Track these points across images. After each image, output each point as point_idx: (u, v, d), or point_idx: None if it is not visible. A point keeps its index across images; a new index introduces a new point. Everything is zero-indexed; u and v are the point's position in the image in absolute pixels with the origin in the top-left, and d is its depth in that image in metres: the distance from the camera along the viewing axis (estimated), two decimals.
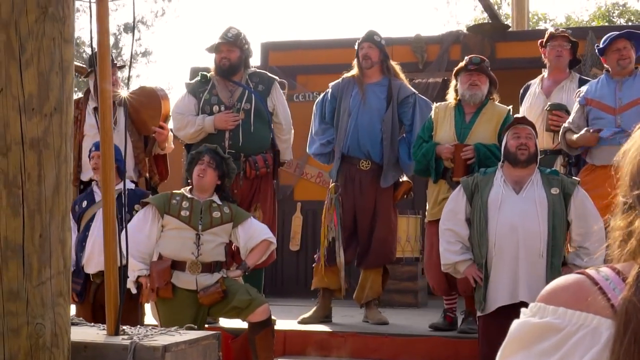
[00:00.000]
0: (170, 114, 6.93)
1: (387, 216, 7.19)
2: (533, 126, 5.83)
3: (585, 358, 1.24)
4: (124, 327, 3.73)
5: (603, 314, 1.25)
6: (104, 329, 3.80)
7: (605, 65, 6.66)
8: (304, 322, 7.12)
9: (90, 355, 3.44)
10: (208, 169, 5.99)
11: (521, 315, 1.37)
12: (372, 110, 7.09)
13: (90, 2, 3.64)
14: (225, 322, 6.81)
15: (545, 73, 7.24)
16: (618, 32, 6.69)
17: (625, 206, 1.32)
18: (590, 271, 1.34)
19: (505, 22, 11.03)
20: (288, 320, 7.13)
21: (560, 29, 7.47)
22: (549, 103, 6.88)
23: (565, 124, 6.53)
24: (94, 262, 5.94)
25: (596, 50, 6.80)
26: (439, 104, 6.86)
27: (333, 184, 7.16)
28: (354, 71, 7.28)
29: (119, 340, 3.53)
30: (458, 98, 6.67)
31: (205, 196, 6.00)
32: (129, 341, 3.44)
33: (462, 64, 6.73)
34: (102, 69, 3.69)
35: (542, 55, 7.21)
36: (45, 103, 3.22)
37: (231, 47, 7.00)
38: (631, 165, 1.34)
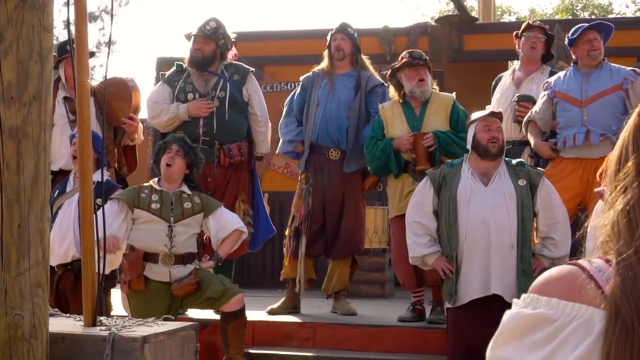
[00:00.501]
0: (146, 103, 6.89)
1: (356, 206, 7.19)
2: (501, 118, 5.87)
3: (579, 349, 1.24)
4: (101, 318, 3.71)
5: (596, 305, 1.24)
6: (80, 320, 3.77)
7: (574, 56, 6.70)
8: (272, 312, 7.11)
9: (68, 347, 3.41)
10: (176, 157, 5.95)
11: (513, 306, 1.37)
12: (340, 100, 7.09)
13: None
14: (193, 313, 6.78)
15: (517, 64, 7.29)
16: (589, 24, 6.75)
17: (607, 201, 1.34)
18: (583, 262, 1.34)
19: (473, 15, 11.06)
20: (256, 311, 7.12)
21: (537, 21, 7.51)
22: (516, 94, 6.92)
23: (529, 115, 6.59)
24: (54, 254, 5.86)
25: (566, 41, 6.84)
26: (383, 103, 6.87)
27: (304, 174, 7.14)
28: (324, 63, 7.27)
29: (97, 331, 3.50)
30: (403, 93, 6.68)
31: (174, 187, 5.96)
32: (107, 332, 3.42)
33: (405, 60, 6.71)
34: (80, 60, 3.65)
35: (517, 46, 7.24)
36: (24, 92, 3.19)
37: (207, 40, 6.98)
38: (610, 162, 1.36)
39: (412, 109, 6.67)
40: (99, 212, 3.85)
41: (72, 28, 3.68)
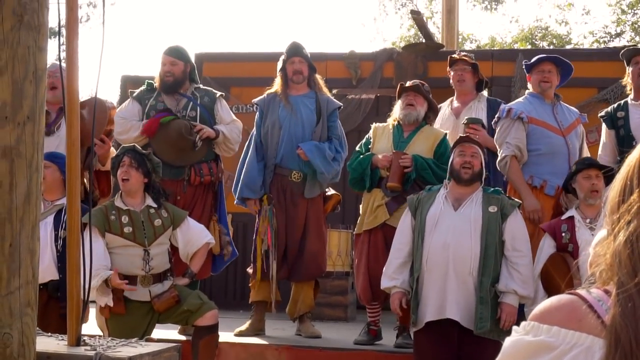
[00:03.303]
0: (114, 118, 6.87)
1: (319, 228, 7.21)
2: (480, 145, 5.94)
3: None
4: (84, 338, 3.71)
5: (595, 334, 1.30)
6: (62, 339, 3.77)
7: (529, 83, 6.82)
8: (240, 334, 7.11)
9: None
10: (130, 170, 5.89)
11: (513, 333, 1.42)
12: (303, 122, 7.10)
13: (59, 9, 3.61)
14: (157, 333, 6.76)
15: (454, 95, 7.42)
16: (547, 55, 6.87)
17: (608, 233, 1.38)
18: (582, 292, 1.39)
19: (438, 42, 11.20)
20: (220, 333, 7.11)
21: (462, 52, 7.64)
22: (465, 117, 7.03)
23: (507, 150, 6.59)
24: None
25: (524, 67, 6.95)
26: (377, 124, 6.99)
27: (265, 194, 7.13)
28: (277, 86, 7.26)
29: (82, 351, 3.51)
30: (397, 119, 6.81)
31: (138, 202, 5.93)
32: (94, 352, 3.42)
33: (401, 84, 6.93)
34: (70, 77, 3.67)
35: (450, 79, 7.39)
36: (19, 112, 3.20)
37: (175, 60, 7.01)
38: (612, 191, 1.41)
39: (402, 132, 6.79)
40: (85, 234, 3.85)
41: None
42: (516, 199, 5.90)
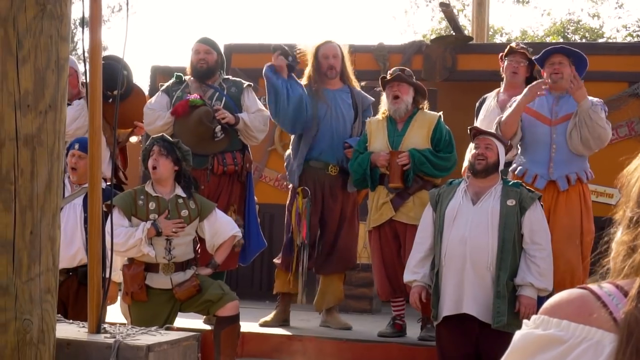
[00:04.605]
0: (143, 111, 6.94)
1: (352, 221, 7.24)
2: (496, 136, 5.90)
3: None
4: (105, 326, 3.74)
5: (606, 328, 1.29)
6: (83, 327, 3.80)
7: (544, 76, 6.74)
8: (265, 324, 7.14)
9: (73, 353, 3.44)
10: (160, 158, 5.93)
11: (523, 327, 1.42)
12: (344, 117, 7.12)
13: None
14: (182, 322, 6.81)
15: (502, 87, 7.32)
16: (554, 47, 6.79)
17: (632, 221, 1.37)
18: (593, 286, 1.38)
19: (467, 35, 11.13)
20: (245, 323, 7.13)
21: (521, 45, 7.51)
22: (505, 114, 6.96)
23: (498, 119, 6.59)
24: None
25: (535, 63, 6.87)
26: (371, 118, 6.95)
27: (301, 187, 7.12)
28: (306, 79, 7.21)
29: (102, 338, 3.54)
30: (387, 112, 6.76)
31: (167, 190, 5.97)
32: (113, 340, 3.45)
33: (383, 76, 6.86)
34: (94, 68, 3.70)
35: (501, 69, 7.27)
36: (41, 100, 3.24)
37: (210, 49, 7.06)
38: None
39: (396, 124, 6.74)
40: (108, 221, 3.88)
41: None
42: (535, 192, 5.85)
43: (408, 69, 7.02)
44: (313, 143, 7.10)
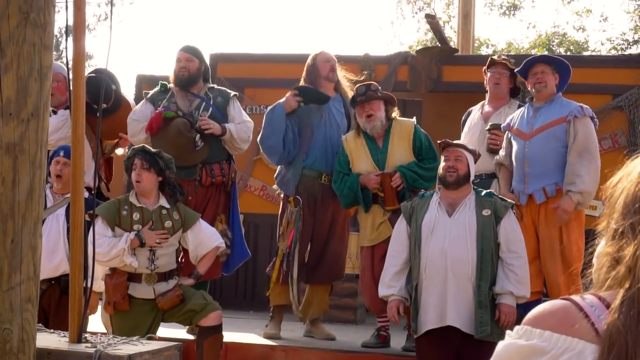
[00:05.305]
0: (127, 120, 6.90)
1: (343, 233, 7.23)
2: (465, 147, 5.91)
3: None
4: (86, 335, 3.73)
5: (588, 339, 1.31)
6: (64, 336, 3.78)
7: (528, 88, 6.77)
8: (274, 336, 7.09)
9: None
10: (142, 172, 5.91)
11: (506, 337, 1.43)
12: (338, 125, 7.12)
13: (67, 8, 3.63)
14: (165, 332, 6.78)
15: (486, 99, 7.33)
16: (534, 56, 6.80)
17: (616, 233, 1.38)
18: (576, 298, 1.39)
19: (453, 46, 11.17)
20: (228, 332, 7.11)
21: (502, 56, 7.50)
22: (489, 123, 6.97)
23: (498, 158, 6.68)
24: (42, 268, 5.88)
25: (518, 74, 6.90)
26: (346, 135, 6.90)
27: (292, 197, 7.10)
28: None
29: (83, 348, 3.53)
30: (360, 128, 6.74)
31: (151, 201, 5.96)
32: (94, 349, 3.44)
33: (352, 95, 6.81)
34: (77, 77, 3.69)
35: (484, 81, 7.28)
36: (23, 108, 3.22)
37: (191, 57, 7.03)
38: (625, 194, 1.40)
39: (375, 141, 6.70)
40: (90, 230, 3.87)
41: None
42: (509, 200, 5.86)
43: (374, 83, 7.01)
44: (306, 152, 7.08)
